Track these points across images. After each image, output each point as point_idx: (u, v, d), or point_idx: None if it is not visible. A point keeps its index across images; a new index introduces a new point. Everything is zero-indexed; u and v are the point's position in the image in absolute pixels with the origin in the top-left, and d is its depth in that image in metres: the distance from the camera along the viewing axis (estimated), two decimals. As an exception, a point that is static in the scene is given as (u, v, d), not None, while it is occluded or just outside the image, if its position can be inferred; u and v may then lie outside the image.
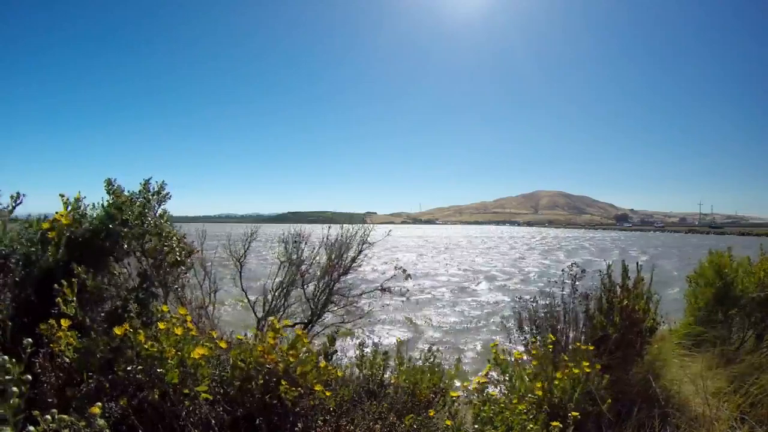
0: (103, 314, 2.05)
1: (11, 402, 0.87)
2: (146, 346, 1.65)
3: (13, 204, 2.13)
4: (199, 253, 3.82)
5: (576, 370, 2.60)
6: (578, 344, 2.87)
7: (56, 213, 2.21)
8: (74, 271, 1.93)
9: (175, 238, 2.61)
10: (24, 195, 2.16)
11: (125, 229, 2.32)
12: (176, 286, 2.62)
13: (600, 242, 62.13)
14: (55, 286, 1.78)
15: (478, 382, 2.28)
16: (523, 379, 2.67)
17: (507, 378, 2.73)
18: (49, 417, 0.91)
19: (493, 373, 2.77)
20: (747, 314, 4.85)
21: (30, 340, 1.09)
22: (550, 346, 2.78)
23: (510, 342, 3.72)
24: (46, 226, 2.14)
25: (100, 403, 1.02)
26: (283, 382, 1.91)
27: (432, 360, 3.02)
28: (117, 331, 1.66)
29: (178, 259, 2.59)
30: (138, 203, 2.50)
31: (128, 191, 2.51)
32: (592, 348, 2.88)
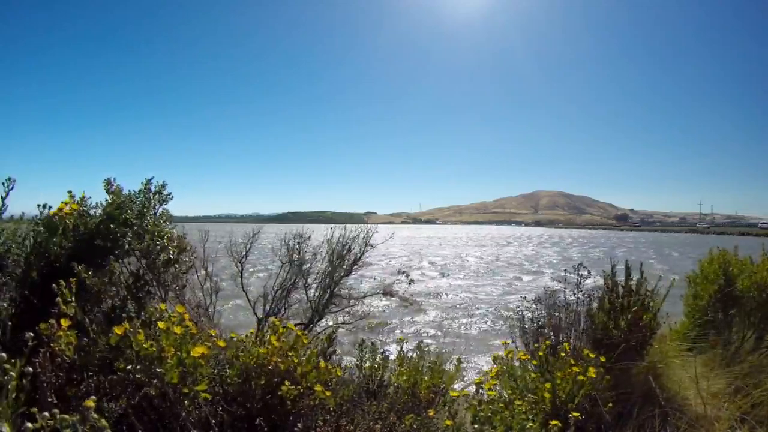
0: (100, 314, 2.04)
1: (9, 397, 0.87)
2: (146, 346, 1.65)
3: (7, 190, 2.08)
4: (200, 254, 3.82)
5: (578, 371, 2.59)
6: (585, 351, 2.86)
7: (62, 202, 2.22)
8: (74, 270, 1.93)
9: (167, 236, 2.59)
10: (15, 180, 2.10)
11: (125, 229, 2.32)
12: (175, 285, 2.61)
13: (612, 242, 61.73)
14: (58, 283, 1.77)
15: (478, 383, 2.27)
16: (526, 380, 2.67)
17: (512, 378, 2.73)
18: (47, 414, 0.91)
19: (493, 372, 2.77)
20: (747, 314, 4.84)
21: (31, 334, 1.09)
22: (563, 354, 2.77)
23: (513, 342, 3.72)
24: (55, 212, 2.15)
25: (94, 397, 1.02)
26: (286, 383, 1.91)
27: (424, 355, 3.03)
28: (117, 330, 1.66)
29: (171, 257, 2.57)
30: (138, 202, 2.49)
31: (128, 190, 2.50)
32: (603, 359, 2.87)
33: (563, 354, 2.78)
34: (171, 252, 2.53)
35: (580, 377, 2.58)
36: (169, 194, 2.64)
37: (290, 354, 1.97)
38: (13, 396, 0.88)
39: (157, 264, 2.46)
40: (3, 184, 2.06)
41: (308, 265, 4.87)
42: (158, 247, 2.47)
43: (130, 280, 2.29)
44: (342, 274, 4.86)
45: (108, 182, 2.42)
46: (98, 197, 2.44)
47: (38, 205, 2.19)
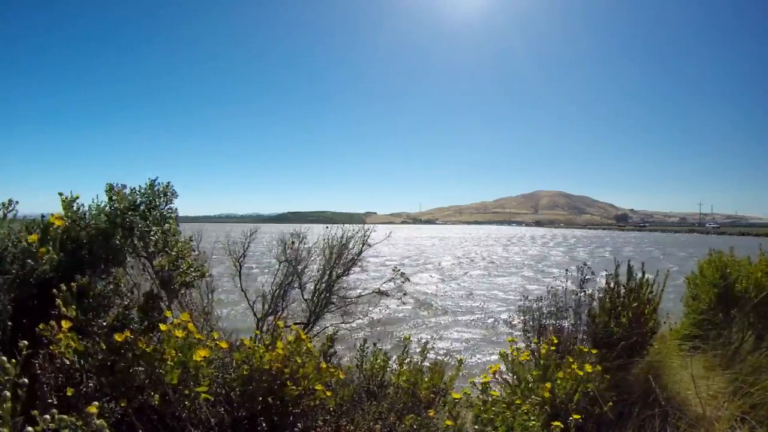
0: (105, 323, 2.02)
1: (8, 402, 0.86)
2: (148, 350, 1.65)
3: (5, 212, 2.09)
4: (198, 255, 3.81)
5: (579, 372, 2.59)
6: (581, 347, 2.87)
7: (51, 215, 2.16)
8: (75, 278, 1.91)
9: (188, 259, 2.53)
10: (17, 202, 2.12)
11: (128, 235, 2.28)
12: (181, 293, 2.59)
13: (616, 242, 60.94)
14: (55, 291, 1.75)
15: (480, 382, 2.27)
16: (527, 380, 2.67)
17: (514, 378, 2.73)
18: (48, 417, 0.91)
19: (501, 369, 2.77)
20: (746, 314, 4.85)
21: (26, 342, 1.08)
22: (552, 348, 2.78)
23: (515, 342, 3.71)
24: (33, 239, 1.99)
25: (97, 403, 1.02)
26: (288, 384, 1.90)
27: (426, 356, 3.02)
28: (117, 337, 1.65)
29: (188, 280, 2.53)
30: (142, 206, 2.44)
31: (131, 187, 2.44)
32: (595, 351, 2.88)
33: (552, 347, 2.78)
34: (190, 276, 2.49)
35: (578, 372, 2.58)
36: (174, 192, 2.59)
37: (294, 358, 1.96)
38: (10, 405, 0.87)
39: (171, 285, 2.41)
40: (3, 204, 2.08)
41: (307, 264, 4.87)
42: (179, 270, 2.42)
43: (140, 288, 2.26)
44: (340, 272, 4.86)
45: (110, 187, 2.38)
46: (96, 196, 2.38)
47: (23, 226, 2.14)
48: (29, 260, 1.95)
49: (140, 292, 2.34)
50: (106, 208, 2.34)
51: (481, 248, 44.67)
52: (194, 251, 2.73)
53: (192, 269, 2.53)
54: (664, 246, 51.18)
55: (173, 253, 2.45)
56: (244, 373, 1.90)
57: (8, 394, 0.87)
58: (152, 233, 2.40)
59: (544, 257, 33.83)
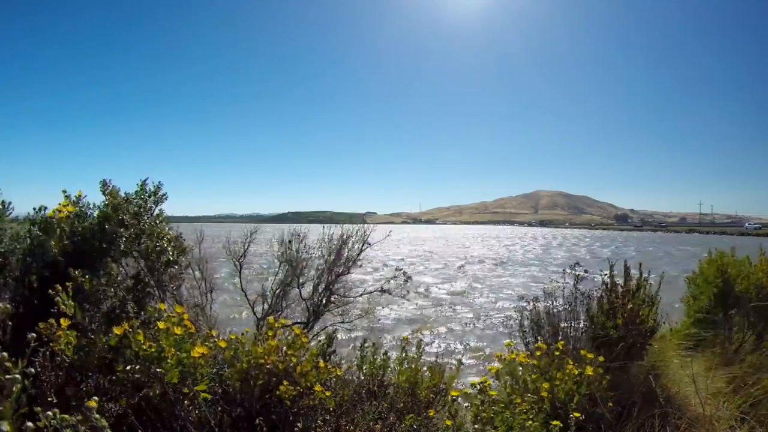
0: (99, 315, 2.04)
1: (11, 398, 0.87)
2: (145, 347, 1.65)
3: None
4: (196, 252, 3.82)
5: (575, 371, 2.59)
6: (582, 351, 2.86)
7: (59, 203, 2.21)
8: (71, 273, 1.92)
9: (166, 238, 2.59)
10: (11, 203, 2.17)
11: (121, 230, 2.31)
12: (173, 286, 2.61)
13: (632, 242, 59.45)
14: (61, 284, 1.77)
15: (480, 382, 2.27)
16: (526, 380, 2.67)
17: (512, 379, 2.72)
18: (50, 414, 0.92)
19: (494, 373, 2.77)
20: (746, 314, 4.85)
21: (33, 334, 1.09)
22: (557, 352, 2.77)
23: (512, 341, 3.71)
24: (51, 214, 2.16)
25: (96, 398, 1.02)
26: (284, 382, 1.91)
27: (421, 355, 3.03)
28: (117, 330, 1.66)
29: (171, 258, 2.58)
30: (134, 204, 2.48)
31: (125, 192, 2.50)
32: (602, 359, 2.86)
33: (557, 353, 2.78)
34: (171, 253, 2.54)
35: (575, 371, 2.58)
36: (164, 194, 2.64)
37: (289, 352, 1.96)
38: (15, 397, 0.88)
39: (157, 266, 2.46)
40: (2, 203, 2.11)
41: (306, 264, 4.87)
42: (158, 248, 2.47)
43: (130, 282, 2.29)
44: (340, 272, 4.86)
45: (104, 183, 2.40)
46: (96, 197, 2.43)
47: (34, 208, 2.19)
48: (42, 235, 2.00)
49: (129, 281, 2.37)
50: (101, 203, 2.39)
51: (503, 248, 43.38)
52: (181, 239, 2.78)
53: (172, 247, 2.57)
54: (676, 244, 50.54)
55: (154, 236, 2.50)
56: (244, 366, 1.90)
57: (14, 388, 0.87)
58: (143, 225, 2.44)
59: (573, 257, 32.78)
